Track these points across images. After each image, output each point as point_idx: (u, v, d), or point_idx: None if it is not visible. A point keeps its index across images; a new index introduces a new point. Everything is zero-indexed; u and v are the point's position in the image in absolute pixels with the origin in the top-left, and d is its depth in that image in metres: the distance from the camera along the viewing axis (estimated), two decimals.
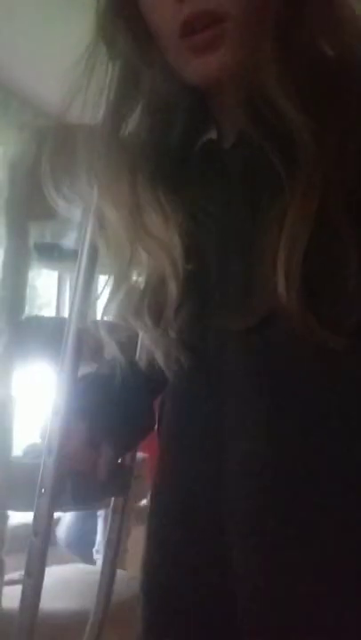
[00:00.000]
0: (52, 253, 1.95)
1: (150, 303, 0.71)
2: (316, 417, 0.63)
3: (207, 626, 0.70)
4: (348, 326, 0.60)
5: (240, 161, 0.69)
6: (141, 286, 0.72)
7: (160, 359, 0.72)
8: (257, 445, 0.64)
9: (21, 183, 1.71)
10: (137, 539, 1.74)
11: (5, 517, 1.45)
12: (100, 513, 2.67)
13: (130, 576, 1.72)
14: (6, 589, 1.57)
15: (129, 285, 0.72)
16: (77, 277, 1.14)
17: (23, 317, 1.67)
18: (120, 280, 0.73)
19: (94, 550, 2.67)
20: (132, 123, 0.73)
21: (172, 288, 0.68)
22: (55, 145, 0.75)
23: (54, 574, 1.21)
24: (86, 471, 0.85)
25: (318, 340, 0.60)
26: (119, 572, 1.83)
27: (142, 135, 0.73)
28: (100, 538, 2.67)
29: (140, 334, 0.75)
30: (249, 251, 0.65)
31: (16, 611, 1.41)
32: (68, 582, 1.82)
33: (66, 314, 3.60)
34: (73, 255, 1.99)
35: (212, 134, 0.74)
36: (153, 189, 0.71)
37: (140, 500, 2.02)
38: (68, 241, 1.88)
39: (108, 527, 2.35)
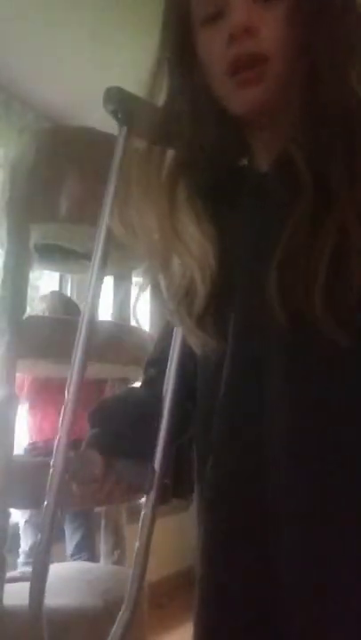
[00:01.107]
0: (52, 254, 1.97)
1: (186, 301, 0.80)
2: (335, 399, 0.73)
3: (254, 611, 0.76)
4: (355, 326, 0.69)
5: (278, 183, 0.78)
6: (180, 286, 0.81)
7: (198, 349, 0.82)
8: (295, 422, 0.73)
9: (22, 185, 1.73)
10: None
11: (7, 515, 1.47)
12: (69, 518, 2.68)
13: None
14: (7, 587, 1.58)
15: (169, 285, 0.82)
16: (91, 278, 1.20)
17: (24, 317, 1.69)
18: (156, 280, 0.83)
19: (67, 555, 2.67)
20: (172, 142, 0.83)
21: (203, 289, 0.78)
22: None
23: (54, 572, 1.23)
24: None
25: (335, 337, 0.69)
26: (125, 569, 1.85)
27: (182, 155, 0.82)
28: (69, 543, 2.69)
29: (181, 327, 0.84)
30: (276, 258, 0.73)
31: (17, 608, 1.43)
32: (67, 580, 1.83)
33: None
34: (73, 256, 2.01)
35: (244, 161, 0.85)
36: (191, 203, 0.80)
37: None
38: (69, 242, 1.89)
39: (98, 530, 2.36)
